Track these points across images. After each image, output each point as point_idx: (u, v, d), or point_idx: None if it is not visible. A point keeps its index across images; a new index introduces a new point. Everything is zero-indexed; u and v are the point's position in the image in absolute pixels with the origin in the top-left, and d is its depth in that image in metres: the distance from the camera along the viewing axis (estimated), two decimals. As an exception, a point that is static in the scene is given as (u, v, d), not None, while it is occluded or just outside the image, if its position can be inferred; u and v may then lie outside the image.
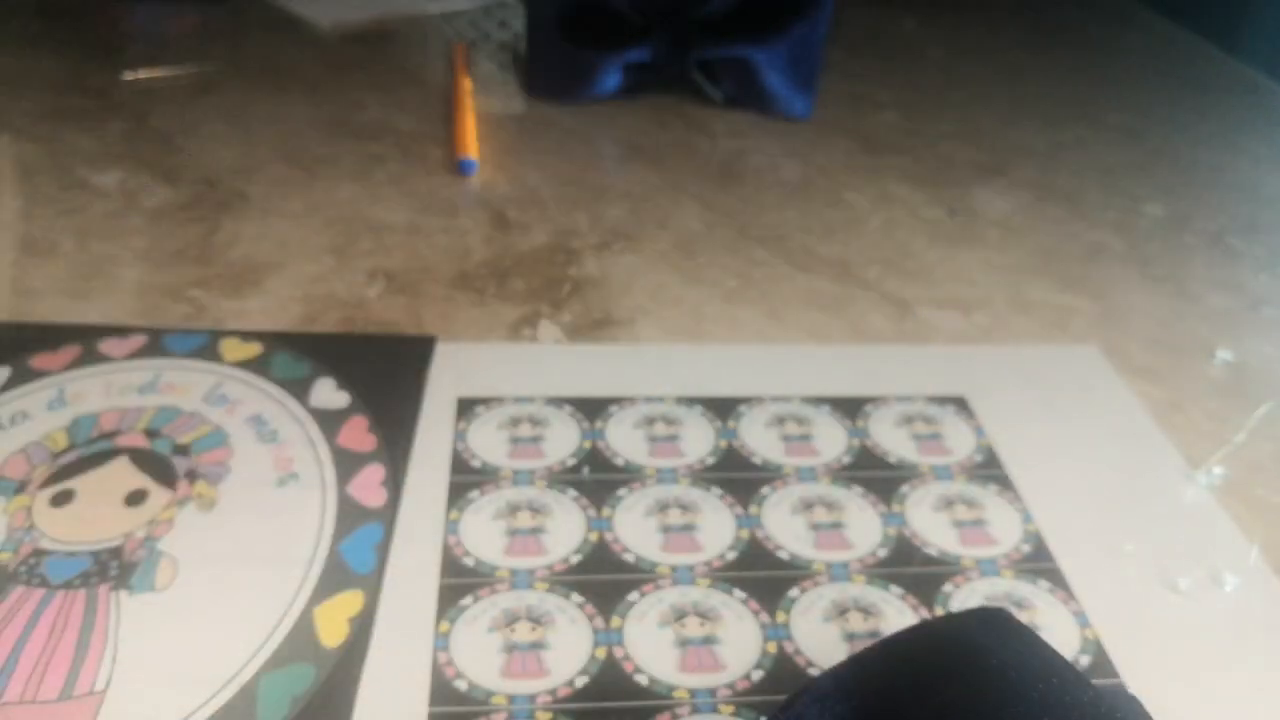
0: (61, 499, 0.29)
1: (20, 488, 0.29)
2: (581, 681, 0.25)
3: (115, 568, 0.27)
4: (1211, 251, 0.47)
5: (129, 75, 0.55)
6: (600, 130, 0.54)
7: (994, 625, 0.22)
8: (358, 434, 0.32)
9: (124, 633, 0.25)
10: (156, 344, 0.35)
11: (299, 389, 0.33)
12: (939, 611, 0.27)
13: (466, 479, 0.30)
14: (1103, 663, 0.26)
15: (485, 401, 0.33)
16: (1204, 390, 0.37)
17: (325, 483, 0.30)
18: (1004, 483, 0.32)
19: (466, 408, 0.33)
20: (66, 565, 0.27)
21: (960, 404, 0.35)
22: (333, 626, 0.26)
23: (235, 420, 0.32)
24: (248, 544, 0.28)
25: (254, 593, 0.26)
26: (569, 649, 0.26)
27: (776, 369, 0.36)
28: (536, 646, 0.25)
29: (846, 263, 0.43)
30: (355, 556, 0.27)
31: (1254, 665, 0.27)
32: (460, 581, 0.27)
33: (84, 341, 0.35)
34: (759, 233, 0.45)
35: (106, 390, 0.33)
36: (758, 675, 0.25)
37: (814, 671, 0.25)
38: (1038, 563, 0.29)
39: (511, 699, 0.24)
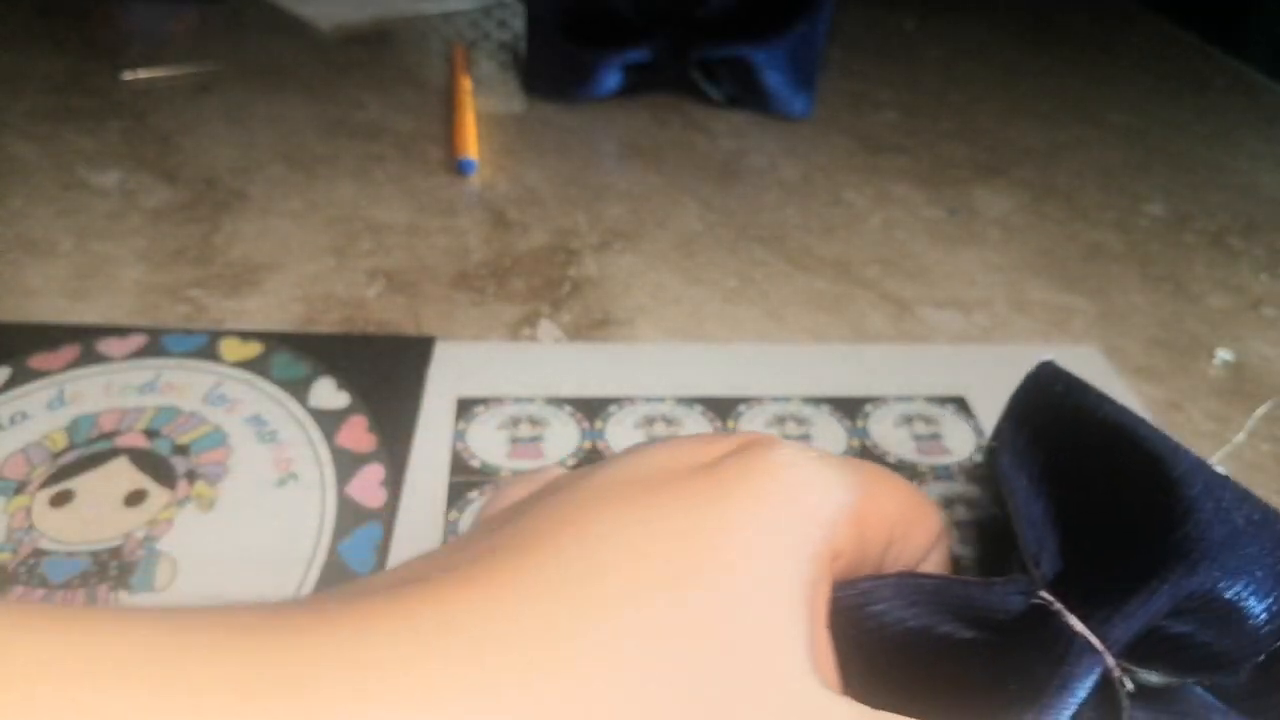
0: (61, 499, 0.28)
1: (20, 488, 0.29)
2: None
3: (115, 568, 0.27)
4: (1211, 251, 0.47)
5: (129, 75, 0.55)
6: (600, 130, 0.54)
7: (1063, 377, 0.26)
8: (357, 434, 0.32)
9: (123, 633, 0.25)
10: (156, 344, 0.35)
11: (299, 389, 0.33)
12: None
13: (466, 479, 0.30)
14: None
15: (485, 401, 0.33)
16: (1204, 390, 0.37)
17: (325, 483, 0.30)
18: (1004, 483, 0.32)
19: (466, 408, 0.33)
20: (66, 565, 0.27)
21: (960, 404, 0.35)
22: (332, 627, 0.26)
23: (235, 420, 0.32)
24: (247, 544, 0.28)
25: (253, 593, 0.26)
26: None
27: (776, 369, 0.36)
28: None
29: (846, 262, 0.43)
30: (355, 557, 0.27)
31: (1254, 665, 0.26)
32: (460, 582, 0.27)
33: (83, 341, 0.35)
34: (759, 232, 0.45)
35: (106, 390, 0.33)
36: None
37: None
38: (1038, 563, 0.29)
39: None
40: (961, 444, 0.33)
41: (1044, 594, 0.21)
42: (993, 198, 0.50)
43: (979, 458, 0.33)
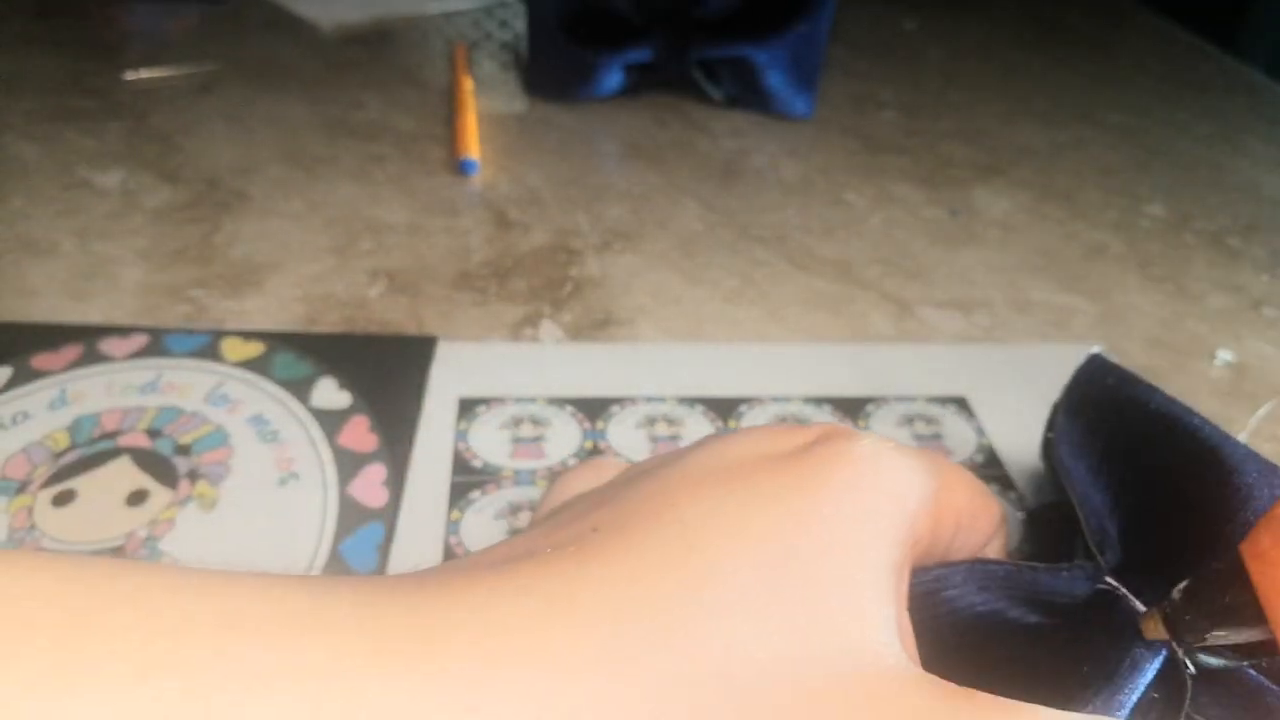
0: (63, 499, 0.29)
1: (21, 488, 0.29)
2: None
3: (117, 568, 0.27)
4: (1211, 251, 0.47)
5: (129, 75, 0.55)
6: (601, 130, 0.54)
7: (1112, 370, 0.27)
8: (359, 434, 0.32)
9: (126, 633, 0.25)
10: (158, 344, 0.35)
11: (300, 389, 0.33)
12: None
13: (468, 479, 0.30)
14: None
15: (486, 401, 0.33)
16: (1204, 390, 0.37)
17: (326, 483, 0.30)
18: (1005, 483, 0.32)
19: (468, 407, 0.33)
20: (68, 565, 0.27)
21: (960, 404, 0.35)
22: (334, 626, 0.26)
23: (236, 420, 0.32)
24: (249, 544, 0.28)
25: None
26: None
27: (777, 369, 0.36)
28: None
29: (846, 262, 0.43)
30: (356, 557, 0.27)
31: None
32: (462, 581, 0.27)
33: (85, 341, 0.35)
34: (759, 232, 0.45)
35: (108, 390, 0.33)
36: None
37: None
38: (1038, 562, 0.29)
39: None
40: (962, 444, 0.33)
41: (1110, 579, 0.22)
42: (993, 198, 0.50)
43: (979, 458, 0.33)
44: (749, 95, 0.56)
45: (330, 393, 0.33)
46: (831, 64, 0.63)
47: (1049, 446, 0.28)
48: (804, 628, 0.16)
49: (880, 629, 0.16)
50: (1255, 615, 0.17)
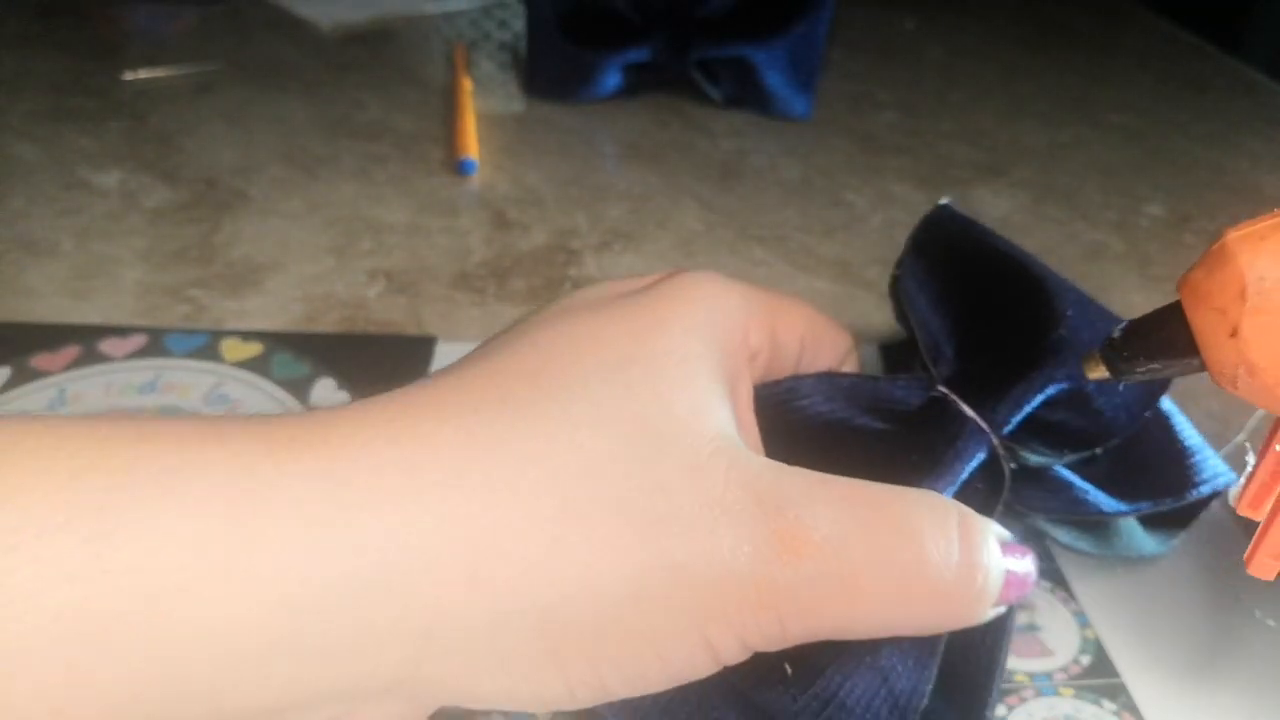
0: (62, 499, 0.28)
1: (20, 488, 0.29)
2: None
3: (115, 568, 0.27)
4: (1211, 251, 0.47)
5: (129, 75, 0.55)
6: (600, 130, 0.54)
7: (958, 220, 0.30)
8: (358, 434, 0.31)
9: (124, 633, 0.25)
10: (157, 344, 0.35)
11: (299, 389, 0.33)
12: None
13: (467, 479, 0.30)
14: (1102, 661, 0.26)
15: (485, 401, 0.33)
16: (1204, 390, 0.37)
17: (325, 483, 0.30)
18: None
19: (466, 408, 0.33)
20: (67, 565, 0.27)
21: (960, 404, 0.35)
22: (333, 626, 0.25)
23: (235, 420, 0.32)
24: (248, 544, 0.28)
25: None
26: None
27: (776, 369, 0.36)
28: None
29: (846, 263, 0.43)
30: (355, 556, 0.27)
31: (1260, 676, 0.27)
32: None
33: (84, 342, 0.35)
34: (759, 233, 0.45)
35: (107, 390, 0.33)
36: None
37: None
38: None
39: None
40: (961, 444, 0.33)
41: (941, 388, 0.25)
42: (993, 198, 0.50)
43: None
44: (748, 95, 0.56)
45: (329, 393, 0.33)
46: (831, 64, 0.63)
47: (895, 282, 0.30)
48: (650, 417, 0.18)
49: (717, 419, 0.19)
50: (1187, 346, 0.19)
